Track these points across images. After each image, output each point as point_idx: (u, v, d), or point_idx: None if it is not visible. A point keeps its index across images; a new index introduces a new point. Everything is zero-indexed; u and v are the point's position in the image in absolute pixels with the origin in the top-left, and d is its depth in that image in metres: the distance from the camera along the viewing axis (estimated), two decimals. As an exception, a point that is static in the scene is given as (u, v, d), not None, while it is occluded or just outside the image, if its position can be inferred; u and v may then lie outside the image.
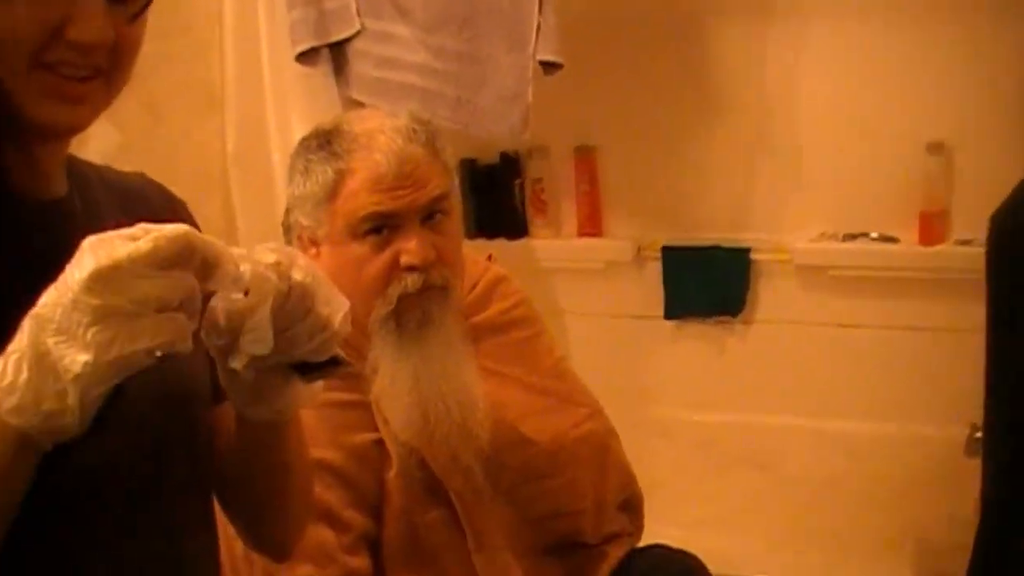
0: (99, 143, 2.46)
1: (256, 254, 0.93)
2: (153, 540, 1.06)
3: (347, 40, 2.71)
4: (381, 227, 1.62)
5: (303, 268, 0.95)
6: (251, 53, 2.76)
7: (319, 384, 1.06)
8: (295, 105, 2.74)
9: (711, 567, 1.88)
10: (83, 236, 0.90)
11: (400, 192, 1.60)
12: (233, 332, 0.92)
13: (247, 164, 2.72)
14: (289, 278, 0.93)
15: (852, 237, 2.87)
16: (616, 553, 1.83)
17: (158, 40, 2.74)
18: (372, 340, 1.66)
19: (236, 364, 0.95)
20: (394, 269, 1.62)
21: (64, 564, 0.87)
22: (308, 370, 1.01)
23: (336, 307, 0.99)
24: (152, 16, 2.57)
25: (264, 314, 0.91)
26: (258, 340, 0.92)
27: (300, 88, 2.75)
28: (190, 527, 1.12)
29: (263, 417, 1.06)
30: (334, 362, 1.02)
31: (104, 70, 1.00)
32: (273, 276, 0.92)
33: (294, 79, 2.75)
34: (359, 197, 1.60)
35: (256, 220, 2.71)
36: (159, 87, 2.61)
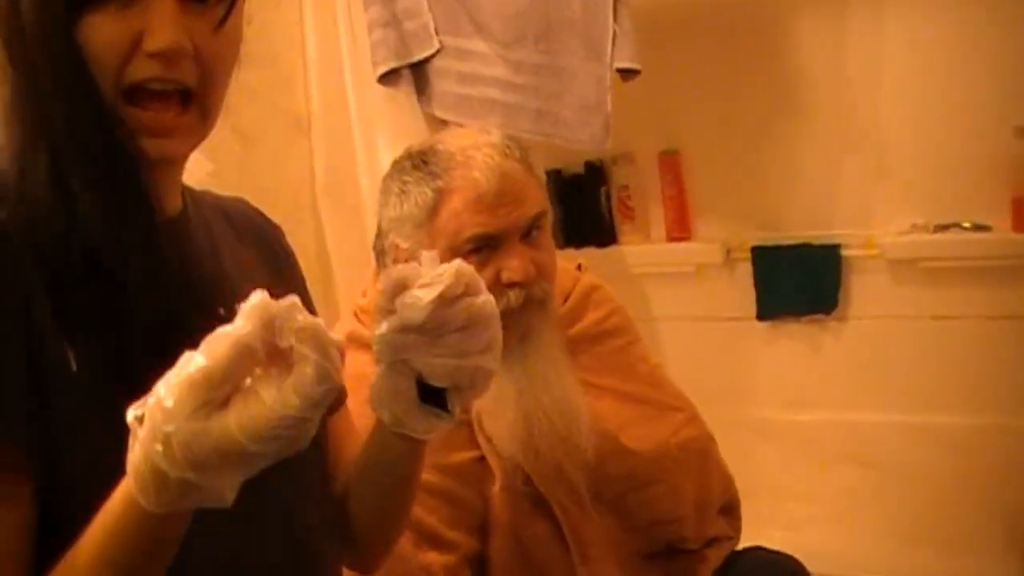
0: (192, 171, 2.54)
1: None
2: (271, 522, 1.10)
3: (428, 59, 2.74)
4: (483, 246, 1.61)
5: (485, 298, 1.04)
6: (335, 78, 2.81)
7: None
8: (380, 127, 2.77)
9: (814, 568, 1.87)
10: (199, 253, 0.95)
11: (501, 210, 1.60)
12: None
13: (336, 189, 2.77)
14: (467, 294, 1.03)
15: (943, 228, 2.82)
16: (716, 557, 1.83)
17: (244, 71, 2.81)
18: None
19: (384, 328, 1.03)
20: (496, 285, 1.60)
21: (184, 550, 0.91)
22: (427, 394, 1.07)
23: (491, 356, 1.08)
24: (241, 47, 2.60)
25: (434, 293, 1.01)
26: (414, 306, 1.00)
27: (384, 110, 2.79)
28: (308, 507, 1.16)
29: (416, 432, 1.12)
30: (442, 399, 1.08)
31: (193, 90, 1.02)
32: (459, 282, 1.02)
33: (378, 101, 2.78)
34: (461, 217, 1.60)
35: (347, 244, 2.75)
36: (247, 117, 2.67)
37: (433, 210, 1.61)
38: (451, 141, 1.66)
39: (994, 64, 2.72)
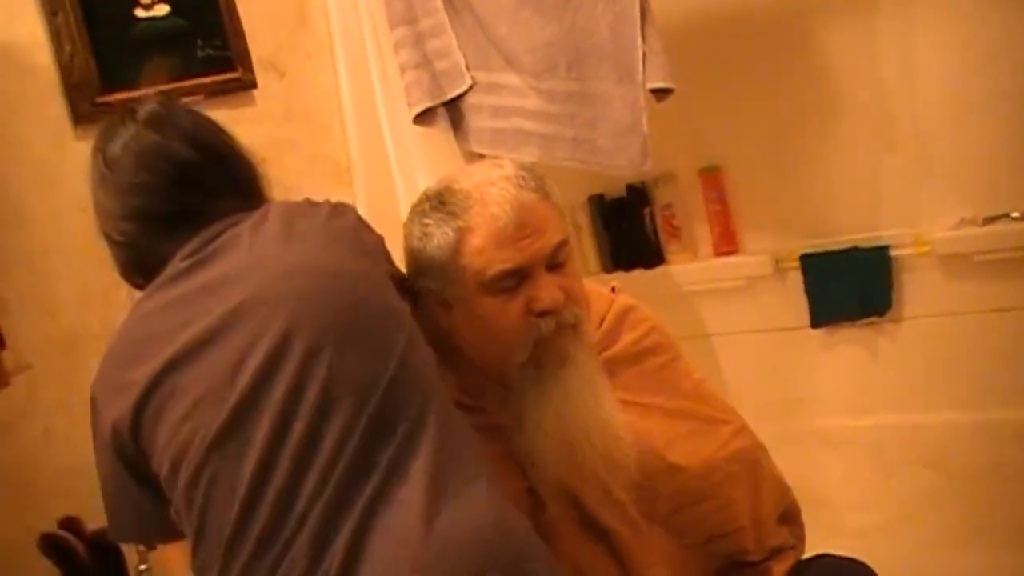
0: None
1: None
2: None
3: (461, 96, 2.77)
4: (511, 281, 1.63)
5: None
6: (371, 123, 2.85)
7: None
8: (419, 167, 2.80)
9: (887, 573, 1.85)
10: None
11: (523, 242, 1.61)
12: None
13: (380, 232, 2.79)
14: None
15: (992, 220, 2.79)
16: (781, 567, 1.82)
17: (283, 125, 2.87)
18: (514, 389, 1.68)
19: None
20: (527, 315, 1.63)
21: None
22: None
23: None
24: (274, 103, 2.70)
25: None
26: None
27: (422, 149, 2.82)
28: None
29: None
30: None
31: None
32: None
33: (415, 141, 2.82)
34: (485, 254, 1.62)
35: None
36: (288, 168, 2.72)
37: (456, 250, 1.63)
38: (465, 179, 1.68)
39: (1027, 51, 2.70)
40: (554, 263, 1.65)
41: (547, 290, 1.63)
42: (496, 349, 1.67)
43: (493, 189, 1.63)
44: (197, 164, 1.60)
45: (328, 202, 1.64)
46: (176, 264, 1.52)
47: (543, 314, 1.63)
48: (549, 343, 1.64)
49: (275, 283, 1.44)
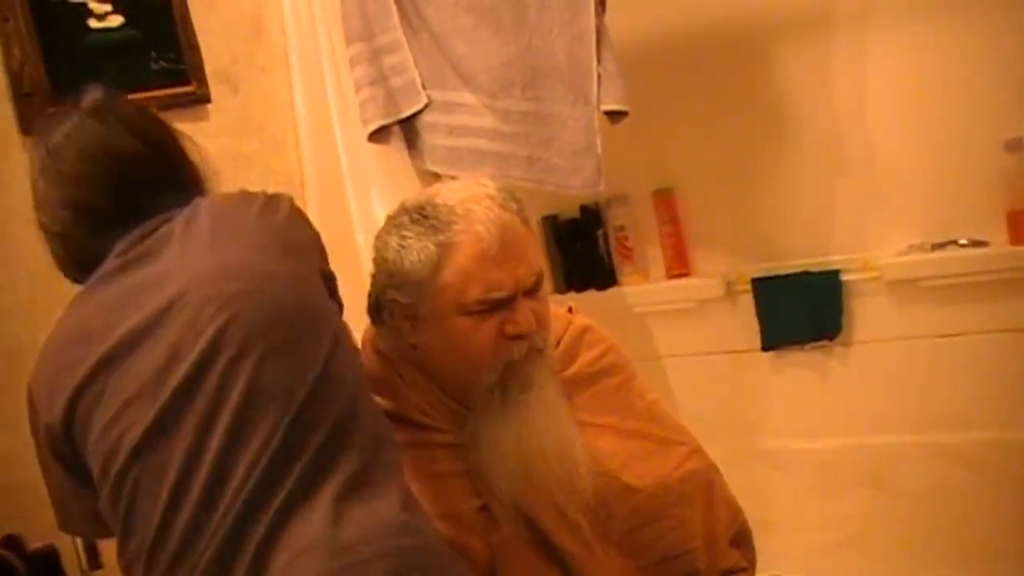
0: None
1: None
2: None
3: (416, 114, 2.77)
4: (491, 304, 1.62)
5: None
6: (325, 139, 2.84)
7: None
8: (373, 184, 2.80)
9: (836, 594, 1.86)
10: None
11: (507, 265, 1.60)
12: None
13: (333, 248, 2.75)
14: None
15: (941, 246, 2.82)
16: (732, 589, 1.82)
17: (237, 139, 2.84)
18: (475, 409, 1.67)
19: None
20: (500, 338, 1.62)
21: None
22: None
23: None
24: (228, 117, 2.67)
25: None
26: None
27: (376, 166, 2.81)
28: None
29: None
30: None
31: None
32: None
33: (369, 158, 2.81)
34: (468, 274, 1.59)
35: (345, 301, 2.76)
36: (241, 182, 2.68)
37: (437, 266, 1.60)
38: (449, 194, 1.65)
39: (979, 81, 2.74)
40: (530, 290, 1.64)
41: (523, 314, 1.62)
42: (464, 369, 1.66)
43: (478, 207, 1.61)
44: (139, 158, 1.57)
45: (263, 194, 1.60)
46: (111, 261, 1.49)
47: (516, 338, 1.62)
48: (518, 367, 1.63)
49: (203, 286, 1.41)
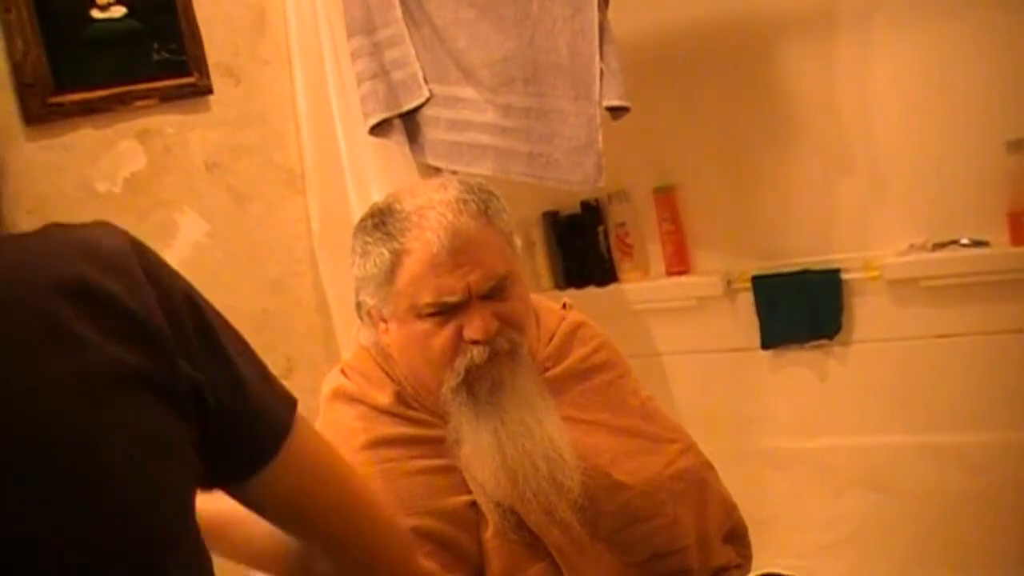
0: (188, 233, 2.56)
1: None
2: None
3: (417, 108, 2.76)
4: (442, 309, 1.62)
5: None
6: (326, 132, 2.83)
7: None
8: (374, 178, 2.79)
9: (829, 594, 1.86)
10: None
11: (458, 271, 1.60)
12: None
13: (333, 241, 2.78)
14: None
15: (941, 246, 2.82)
16: (725, 587, 1.81)
17: (237, 131, 2.84)
18: (449, 410, 1.67)
19: None
20: (459, 341, 1.63)
21: None
22: None
23: None
24: (229, 109, 2.66)
25: None
26: None
27: (377, 161, 2.81)
28: None
29: None
30: None
31: None
32: None
33: (370, 153, 2.81)
34: (418, 280, 1.61)
35: (346, 295, 2.74)
36: (241, 174, 2.69)
37: (391, 271, 1.63)
38: (408, 200, 1.66)
39: (981, 81, 2.73)
40: (487, 295, 1.64)
41: (479, 319, 1.62)
42: (427, 371, 1.68)
43: (432, 213, 1.62)
44: None
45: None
46: None
47: (475, 343, 1.62)
48: (481, 370, 1.63)
49: None
